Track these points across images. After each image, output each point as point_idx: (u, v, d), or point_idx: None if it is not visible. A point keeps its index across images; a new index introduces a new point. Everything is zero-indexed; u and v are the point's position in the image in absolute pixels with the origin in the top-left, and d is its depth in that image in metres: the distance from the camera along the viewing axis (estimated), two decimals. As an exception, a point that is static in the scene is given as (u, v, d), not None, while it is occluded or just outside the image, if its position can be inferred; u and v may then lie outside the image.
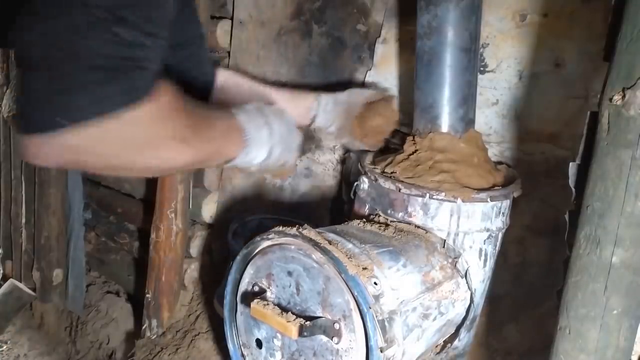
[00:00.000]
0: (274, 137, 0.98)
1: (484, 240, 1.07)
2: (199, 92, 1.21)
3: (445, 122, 1.13)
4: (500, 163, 1.26)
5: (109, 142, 0.67)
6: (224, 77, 1.25)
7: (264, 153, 0.97)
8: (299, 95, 1.30)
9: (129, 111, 0.65)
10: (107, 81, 0.62)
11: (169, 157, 0.77)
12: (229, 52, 1.76)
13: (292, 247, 0.91)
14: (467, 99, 1.13)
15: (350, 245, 0.91)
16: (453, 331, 1.07)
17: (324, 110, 1.28)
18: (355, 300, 0.83)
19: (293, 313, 0.88)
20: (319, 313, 0.88)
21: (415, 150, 1.13)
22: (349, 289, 0.83)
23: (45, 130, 0.62)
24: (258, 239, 0.96)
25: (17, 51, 0.65)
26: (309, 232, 0.91)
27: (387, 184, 1.07)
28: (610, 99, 0.73)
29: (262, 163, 0.99)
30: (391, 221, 1.08)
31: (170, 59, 1.15)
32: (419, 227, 1.06)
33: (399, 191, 1.05)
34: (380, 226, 1.06)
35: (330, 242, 0.88)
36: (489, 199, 1.04)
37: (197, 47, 1.18)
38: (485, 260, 1.09)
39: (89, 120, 0.62)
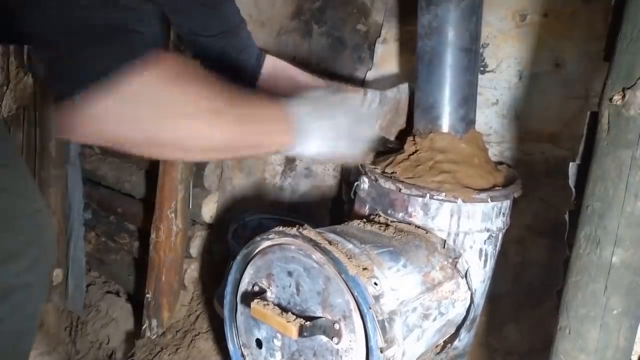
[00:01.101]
0: (333, 130, 0.92)
1: (485, 241, 1.07)
2: (244, 79, 1.22)
3: (446, 122, 1.12)
4: (500, 163, 1.26)
5: (119, 108, 0.67)
6: (272, 65, 1.24)
7: (316, 148, 0.91)
8: (345, 92, 1.28)
9: (130, 74, 0.65)
10: (104, 45, 0.64)
11: (193, 128, 0.73)
12: (229, 52, 1.76)
13: (293, 247, 0.91)
14: (467, 99, 1.13)
15: (350, 246, 0.91)
16: (453, 331, 1.07)
17: (368, 109, 1.27)
18: (356, 301, 0.83)
19: (293, 313, 0.88)
20: (319, 313, 0.88)
21: (416, 151, 1.13)
22: (349, 289, 0.83)
23: (62, 99, 0.65)
24: (258, 239, 0.96)
25: (24, 29, 0.67)
26: (309, 232, 0.91)
27: (388, 184, 1.07)
28: (610, 99, 0.73)
29: (316, 157, 0.95)
30: (391, 221, 1.08)
31: (213, 47, 1.18)
32: (419, 227, 1.06)
33: (400, 191, 1.05)
34: (380, 226, 1.06)
35: (330, 243, 0.88)
36: (489, 200, 1.04)
37: (238, 34, 1.19)
38: (486, 261, 1.09)
39: (94, 86, 0.64)
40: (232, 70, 1.21)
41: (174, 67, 0.72)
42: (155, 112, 0.70)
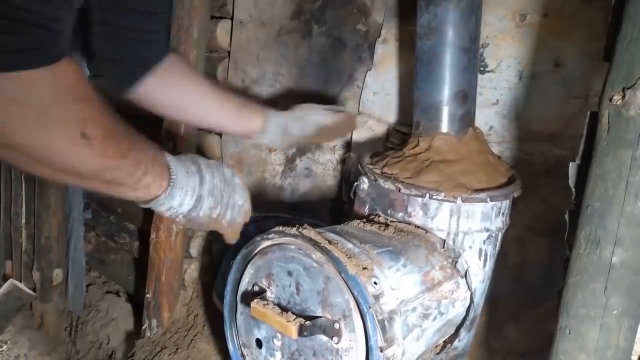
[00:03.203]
0: (204, 187, 0.88)
1: (484, 241, 1.07)
2: (140, 62, 1.10)
3: (445, 122, 1.12)
4: (500, 163, 1.26)
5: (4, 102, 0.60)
6: (175, 62, 1.14)
7: (191, 201, 0.86)
8: (243, 113, 1.21)
9: (22, 70, 0.59)
10: (3, 31, 0.57)
11: (64, 147, 0.67)
12: (229, 52, 1.76)
13: (292, 246, 0.91)
14: (467, 99, 1.12)
15: (350, 245, 0.91)
16: (453, 331, 1.07)
17: (274, 132, 1.22)
18: (355, 300, 0.83)
19: (293, 313, 0.88)
20: (318, 313, 0.88)
21: (415, 150, 1.13)
22: (349, 288, 0.83)
23: None
24: (258, 238, 0.96)
25: None
26: (308, 231, 0.91)
27: (387, 184, 1.07)
28: (610, 99, 0.73)
29: (191, 213, 0.88)
30: (391, 221, 1.08)
31: (124, 21, 1.01)
32: (418, 227, 1.06)
33: (399, 191, 1.05)
34: (380, 226, 1.06)
35: (330, 242, 0.88)
36: (488, 199, 1.04)
37: (155, 19, 1.06)
38: (485, 261, 1.09)
39: None
40: (132, 47, 1.07)
41: (67, 78, 0.65)
42: (26, 117, 0.62)
